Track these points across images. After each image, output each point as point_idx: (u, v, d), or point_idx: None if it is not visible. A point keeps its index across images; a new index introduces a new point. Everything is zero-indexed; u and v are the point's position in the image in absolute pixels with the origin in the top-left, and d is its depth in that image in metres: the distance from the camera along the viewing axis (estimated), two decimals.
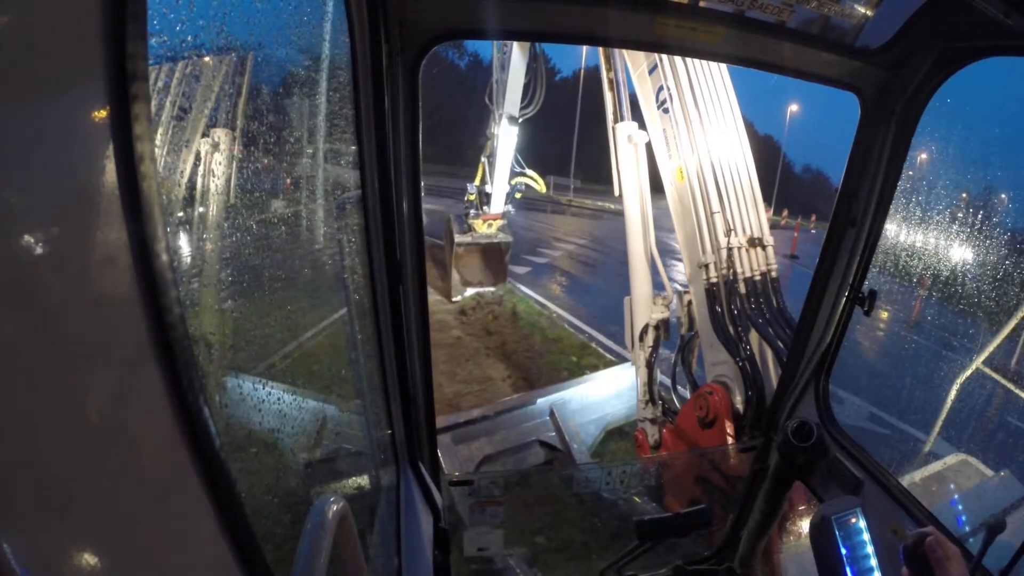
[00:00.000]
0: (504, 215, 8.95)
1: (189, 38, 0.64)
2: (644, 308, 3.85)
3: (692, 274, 3.25)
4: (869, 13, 1.66)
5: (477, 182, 8.98)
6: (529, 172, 8.90)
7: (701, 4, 1.64)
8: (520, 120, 7.53)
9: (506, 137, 7.66)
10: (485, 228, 8.87)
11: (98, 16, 0.34)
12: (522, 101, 7.25)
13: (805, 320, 2.14)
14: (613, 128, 3.82)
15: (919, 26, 1.56)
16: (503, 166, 8.14)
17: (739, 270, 3.05)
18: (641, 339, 3.86)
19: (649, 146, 3.51)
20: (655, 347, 3.85)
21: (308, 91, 1.23)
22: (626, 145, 3.71)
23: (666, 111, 3.19)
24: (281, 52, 1.07)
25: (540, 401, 4.89)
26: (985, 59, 1.52)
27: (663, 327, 3.83)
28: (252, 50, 0.88)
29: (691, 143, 3.09)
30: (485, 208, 8.79)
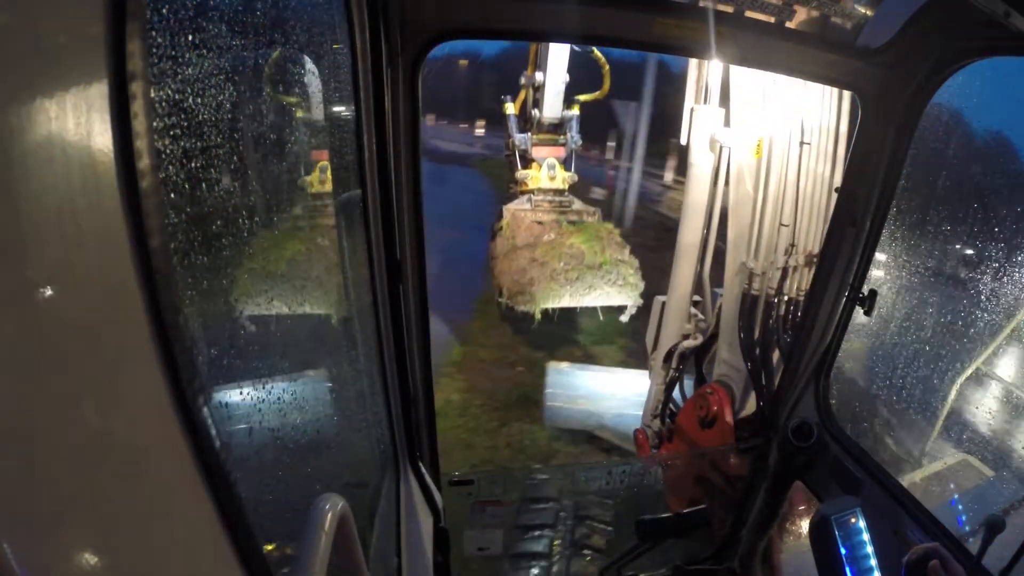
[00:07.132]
0: (565, 142, 6.11)
1: (189, 38, 0.64)
2: (677, 321, 3.48)
3: (733, 268, 2.92)
4: (869, 13, 1.66)
5: (516, 109, 6.74)
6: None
7: (701, 4, 1.64)
8: None
9: None
10: (546, 177, 6.02)
11: (98, 16, 0.34)
12: None
13: (805, 320, 2.14)
14: (691, 109, 3.18)
15: (919, 26, 1.56)
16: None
17: (786, 288, 2.74)
18: (667, 360, 3.56)
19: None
20: (680, 374, 3.54)
21: (309, 91, 1.23)
22: (702, 141, 3.11)
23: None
24: (281, 52, 1.07)
25: None
26: (985, 59, 1.52)
27: (691, 356, 3.47)
28: (252, 50, 0.88)
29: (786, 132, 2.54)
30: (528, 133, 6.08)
